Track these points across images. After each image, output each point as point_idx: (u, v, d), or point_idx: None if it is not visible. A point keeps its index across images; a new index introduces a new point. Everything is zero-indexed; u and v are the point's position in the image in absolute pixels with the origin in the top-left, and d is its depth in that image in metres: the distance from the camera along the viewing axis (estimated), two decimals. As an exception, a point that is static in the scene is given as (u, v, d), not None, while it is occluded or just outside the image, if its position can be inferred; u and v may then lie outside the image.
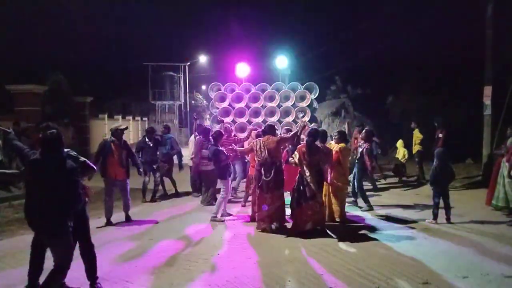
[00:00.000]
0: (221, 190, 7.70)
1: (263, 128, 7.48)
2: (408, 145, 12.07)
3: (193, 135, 10.19)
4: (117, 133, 7.41)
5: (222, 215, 7.66)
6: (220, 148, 7.72)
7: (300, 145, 6.71)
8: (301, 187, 6.47)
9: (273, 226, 6.67)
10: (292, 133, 7.34)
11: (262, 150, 6.79)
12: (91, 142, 18.59)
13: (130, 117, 28.20)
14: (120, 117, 25.30)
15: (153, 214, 8.22)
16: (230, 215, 7.85)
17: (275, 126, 7.77)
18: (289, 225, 6.89)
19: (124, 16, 36.12)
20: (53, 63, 20.55)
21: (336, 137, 7.51)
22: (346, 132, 11.23)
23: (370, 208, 8.18)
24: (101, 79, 30.47)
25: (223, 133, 8.43)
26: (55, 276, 3.96)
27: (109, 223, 7.26)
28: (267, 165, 6.72)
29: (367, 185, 10.80)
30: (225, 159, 7.61)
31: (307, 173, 6.40)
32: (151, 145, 9.27)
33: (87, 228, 4.45)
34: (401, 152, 11.94)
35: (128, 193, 7.51)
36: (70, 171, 3.94)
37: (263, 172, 6.72)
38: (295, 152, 6.64)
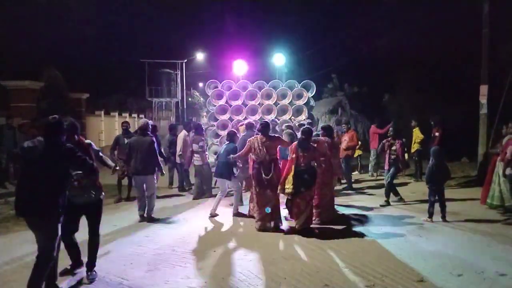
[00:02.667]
0: (233, 188, 7.86)
1: (258, 126, 7.41)
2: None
3: (183, 132, 10.13)
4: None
5: (212, 212, 7.71)
6: (237, 146, 7.83)
7: (293, 143, 6.74)
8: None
9: (272, 224, 6.69)
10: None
11: (260, 148, 6.76)
12: (87, 138, 18.50)
13: (127, 114, 28.10)
14: (116, 113, 25.19)
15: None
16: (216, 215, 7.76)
17: (270, 124, 7.72)
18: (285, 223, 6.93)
19: (121, 12, 36.01)
20: (49, 59, 20.44)
21: (321, 132, 7.61)
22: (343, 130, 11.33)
23: (401, 199, 8.62)
24: (97, 76, 30.39)
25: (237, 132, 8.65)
26: (40, 266, 3.93)
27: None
28: (266, 163, 6.72)
29: (360, 180, 10.83)
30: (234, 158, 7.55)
31: (291, 173, 6.43)
32: None
33: (99, 220, 4.75)
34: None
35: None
36: (66, 157, 3.99)
37: (262, 171, 6.72)
38: (289, 150, 6.70)
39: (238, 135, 8.55)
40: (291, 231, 6.47)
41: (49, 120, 4.08)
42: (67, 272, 4.70)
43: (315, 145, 6.89)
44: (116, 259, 5.30)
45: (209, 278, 4.66)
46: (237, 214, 7.70)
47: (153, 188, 7.36)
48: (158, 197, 9.43)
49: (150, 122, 7.97)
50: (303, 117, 11.89)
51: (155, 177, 7.44)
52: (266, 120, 8.84)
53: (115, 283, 4.57)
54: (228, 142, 7.96)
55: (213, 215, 7.66)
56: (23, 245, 5.94)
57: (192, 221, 7.38)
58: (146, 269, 4.97)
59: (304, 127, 6.97)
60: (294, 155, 6.44)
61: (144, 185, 7.28)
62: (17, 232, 6.68)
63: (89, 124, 19.55)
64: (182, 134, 9.98)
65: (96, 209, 4.71)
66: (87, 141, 5.01)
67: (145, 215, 7.35)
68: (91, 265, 4.66)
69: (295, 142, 6.67)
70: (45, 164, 3.92)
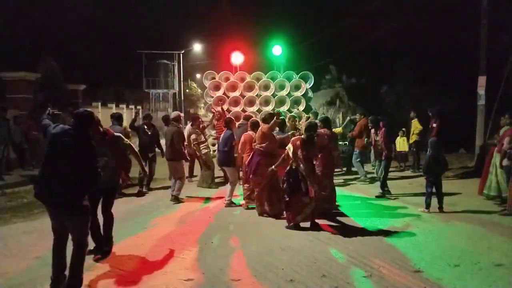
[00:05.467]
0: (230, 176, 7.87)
1: (263, 116, 7.64)
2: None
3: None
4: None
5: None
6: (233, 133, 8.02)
7: (294, 138, 6.50)
8: (291, 180, 6.23)
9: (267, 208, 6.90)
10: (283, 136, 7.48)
11: (255, 138, 7.10)
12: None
13: (124, 106, 27.97)
14: (113, 105, 25.09)
15: (146, 202, 8.23)
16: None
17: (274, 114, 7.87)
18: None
19: (118, 2, 35.66)
20: (45, 50, 20.30)
21: (320, 125, 7.49)
22: (341, 121, 11.30)
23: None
24: (94, 67, 30.21)
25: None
26: (78, 253, 4.06)
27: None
28: (256, 152, 7.00)
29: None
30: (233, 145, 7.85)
31: (302, 167, 6.19)
32: (149, 133, 9.19)
33: (111, 203, 5.22)
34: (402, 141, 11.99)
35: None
36: (88, 150, 4.06)
37: (255, 159, 6.98)
38: (289, 145, 6.41)
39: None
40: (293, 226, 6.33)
41: (82, 112, 4.21)
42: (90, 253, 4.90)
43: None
44: (114, 250, 5.29)
45: (207, 269, 4.67)
46: (230, 204, 7.71)
47: (178, 173, 8.11)
48: (157, 189, 9.53)
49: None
50: (301, 108, 11.85)
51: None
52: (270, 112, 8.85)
53: (113, 274, 4.57)
54: (225, 129, 8.12)
55: (228, 205, 7.73)
56: (21, 236, 5.96)
57: (190, 212, 7.39)
58: (144, 261, 4.98)
59: (310, 121, 6.97)
60: (304, 152, 6.17)
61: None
62: (14, 224, 6.69)
63: (86, 115, 19.43)
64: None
65: (112, 194, 5.28)
66: (117, 133, 5.27)
67: (172, 193, 8.12)
68: (107, 241, 5.18)
69: (298, 138, 6.42)
70: (74, 155, 3.96)
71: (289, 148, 6.35)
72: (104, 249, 5.11)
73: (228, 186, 7.88)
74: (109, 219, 5.21)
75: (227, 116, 9.40)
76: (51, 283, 4.04)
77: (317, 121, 8.20)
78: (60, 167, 3.93)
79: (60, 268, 4.09)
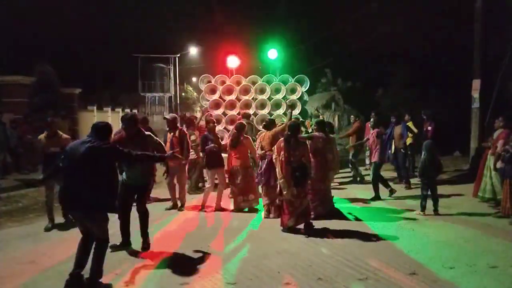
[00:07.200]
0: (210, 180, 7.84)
1: (264, 123, 7.61)
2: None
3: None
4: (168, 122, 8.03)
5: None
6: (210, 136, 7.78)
7: (279, 140, 6.36)
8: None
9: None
10: (283, 124, 7.46)
11: (258, 145, 7.21)
12: (80, 134, 18.40)
13: (120, 109, 27.90)
14: (109, 109, 25.02)
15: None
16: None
17: (275, 120, 7.95)
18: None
19: (113, 6, 35.65)
20: (41, 54, 20.27)
21: (315, 128, 7.47)
22: (336, 124, 11.32)
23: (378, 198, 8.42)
24: (90, 71, 30.17)
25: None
26: (100, 247, 4.33)
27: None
28: (263, 159, 7.06)
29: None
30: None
31: (279, 173, 6.14)
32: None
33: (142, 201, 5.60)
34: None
35: (183, 179, 7.98)
36: (104, 157, 4.24)
37: (260, 165, 7.12)
38: (273, 149, 6.37)
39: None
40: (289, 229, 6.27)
41: (98, 124, 4.43)
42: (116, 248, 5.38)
43: (309, 141, 6.91)
44: (110, 254, 5.26)
45: (203, 273, 4.67)
46: (220, 209, 7.72)
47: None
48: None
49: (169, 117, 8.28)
50: (297, 112, 11.85)
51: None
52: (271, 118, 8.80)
53: (108, 278, 4.56)
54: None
55: (217, 209, 7.73)
56: (16, 241, 5.94)
57: (186, 216, 7.38)
58: (140, 265, 4.97)
59: (292, 121, 6.89)
60: (286, 154, 6.07)
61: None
62: (10, 228, 6.66)
63: (82, 119, 19.39)
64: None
65: (145, 190, 5.67)
66: (147, 132, 5.77)
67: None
68: (145, 235, 5.55)
69: (281, 140, 6.30)
70: (87, 163, 4.14)
71: (274, 152, 6.30)
72: (143, 246, 5.47)
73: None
74: (141, 215, 5.54)
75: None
76: (68, 278, 4.24)
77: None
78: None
79: (78, 265, 4.29)
